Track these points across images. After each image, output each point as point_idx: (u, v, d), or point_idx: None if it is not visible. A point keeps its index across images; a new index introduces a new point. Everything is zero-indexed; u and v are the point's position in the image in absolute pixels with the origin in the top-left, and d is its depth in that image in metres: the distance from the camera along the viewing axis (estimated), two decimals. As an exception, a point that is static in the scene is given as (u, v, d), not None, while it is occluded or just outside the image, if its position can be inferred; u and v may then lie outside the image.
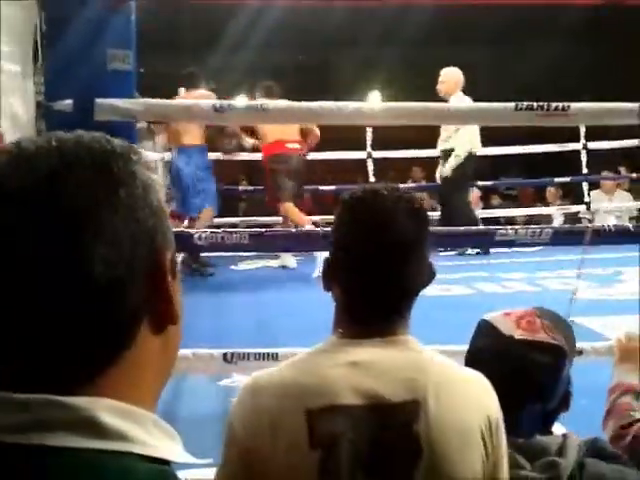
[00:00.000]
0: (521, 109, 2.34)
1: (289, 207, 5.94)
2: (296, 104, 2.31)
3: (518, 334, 1.29)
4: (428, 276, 1.25)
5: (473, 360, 1.32)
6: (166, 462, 0.59)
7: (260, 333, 3.76)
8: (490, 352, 1.31)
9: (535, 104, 2.35)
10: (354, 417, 1.12)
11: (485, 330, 1.34)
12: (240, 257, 6.61)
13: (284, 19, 6.91)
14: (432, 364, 1.19)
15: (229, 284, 5.69)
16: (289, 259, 6.22)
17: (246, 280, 5.83)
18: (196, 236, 2.39)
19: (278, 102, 2.32)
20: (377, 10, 7.86)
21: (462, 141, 6.27)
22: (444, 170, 6.40)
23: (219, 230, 2.42)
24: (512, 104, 2.35)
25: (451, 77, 6.39)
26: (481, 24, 8.69)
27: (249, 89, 6.08)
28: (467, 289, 5.01)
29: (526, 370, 1.27)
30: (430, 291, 4.50)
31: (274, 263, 6.35)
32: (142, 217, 0.61)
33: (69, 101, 2.38)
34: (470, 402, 1.16)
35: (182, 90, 6.06)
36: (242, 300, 4.81)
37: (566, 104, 2.31)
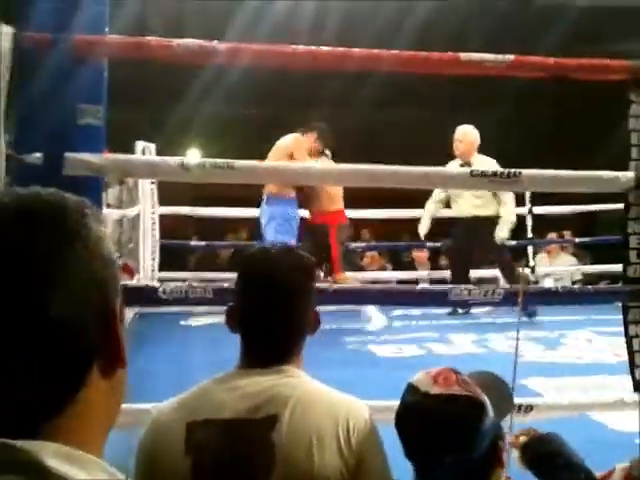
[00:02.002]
0: (476, 175, 2.46)
1: (347, 277, 6.12)
2: (264, 164, 2.39)
3: (434, 390, 1.35)
4: (314, 323, 1.54)
5: (399, 420, 1.39)
6: None
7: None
8: (412, 410, 1.37)
9: (488, 170, 2.47)
10: (221, 429, 1.38)
11: (408, 390, 1.41)
12: (192, 313, 6.60)
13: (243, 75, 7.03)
14: (301, 386, 1.43)
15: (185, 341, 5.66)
16: None
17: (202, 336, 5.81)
18: (160, 290, 2.43)
19: (247, 162, 2.38)
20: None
21: (511, 208, 6.33)
22: (500, 236, 6.28)
23: (184, 284, 2.46)
24: (467, 169, 2.47)
25: (468, 137, 6.36)
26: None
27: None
28: (418, 349, 5.10)
29: (442, 423, 1.33)
30: (383, 351, 4.56)
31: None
32: (95, 267, 0.66)
33: (38, 154, 2.41)
34: (325, 414, 1.38)
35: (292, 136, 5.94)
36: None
37: (518, 170, 2.43)
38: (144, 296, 2.60)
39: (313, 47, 2.52)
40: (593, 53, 2.80)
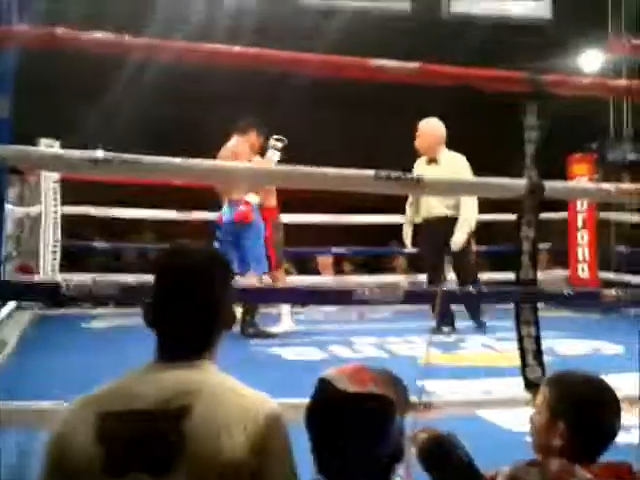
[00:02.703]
0: (380, 178, 2.53)
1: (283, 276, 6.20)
2: (173, 160, 2.40)
3: (351, 388, 1.42)
4: (228, 319, 1.59)
5: (312, 415, 1.46)
6: None
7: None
8: (327, 407, 1.44)
9: (392, 174, 2.55)
10: (132, 420, 1.41)
11: (322, 386, 1.47)
12: (92, 315, 6.48)
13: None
14: (213, 379, 1.49)
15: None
16: None
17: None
18: (63, 286, 2.38)
19: (156, 158, 2.38)
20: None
21: (469, 208, 5.85)
22: (459, 238, 5.86)
23: (88, 279, 2.43)
24: (372, 172, 2.53)
25: (427, 131, 5.95)
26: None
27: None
28: (322, 352, 5.16)
29: (359, 420, 1.40)
30: (288, 354, 4.59)
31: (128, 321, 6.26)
32: None
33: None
34: (235, 408, 1.42)
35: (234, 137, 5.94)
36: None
37: (421, 175, 2.53)
38: (45, 293, 2.55)
39: (235, 47, 2.54)
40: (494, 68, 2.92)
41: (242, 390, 1.49)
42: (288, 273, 7.04)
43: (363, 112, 10.07)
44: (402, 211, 6.41)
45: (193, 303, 1.52)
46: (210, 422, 1.40)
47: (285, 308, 6.04)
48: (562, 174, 7.47)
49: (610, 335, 5.66)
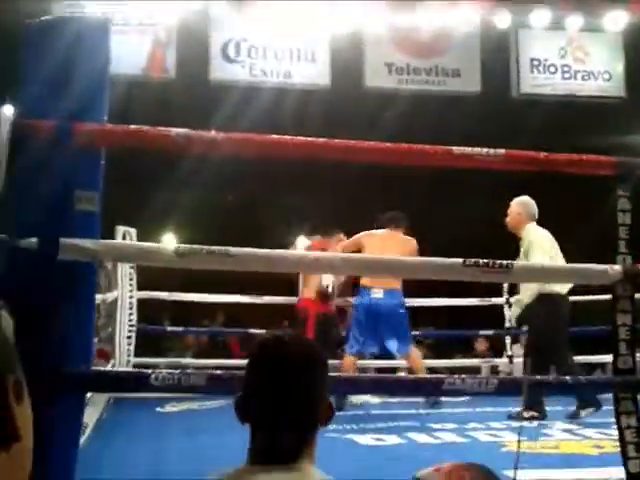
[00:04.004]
0: (468, 265, 2.49)
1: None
2: (260, 251, 2.41)
3: None
4: (327, 414, 1.48)
5: None
6: None
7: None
8: None
9: (481, 261, 2.51)
10: None
11: None
12: (166, 399, 6.49)
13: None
14: None
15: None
16: None
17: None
18: (152, 377, 2.40)
19: (243, 249, 2.40)
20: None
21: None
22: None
23: (176, 371, 2.43)
24: (460, 260, 2.50)
25: (514, 209, 5.88)
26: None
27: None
28: (399, 439, 5.03)
29: None
30: (363, 440, 4.50)
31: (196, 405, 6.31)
32: None
33: (34, 239, 2.41)
34: None
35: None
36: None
37: (510, 262, 2.48)
38: (134, 382, 2.57)
39: (292, 137, 2.58)
40: (560, 147, 2.89)
41: None
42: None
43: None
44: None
45: (294, 401, 1.43)
46: None
47: None
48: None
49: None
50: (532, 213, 5.83)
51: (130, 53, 8.30)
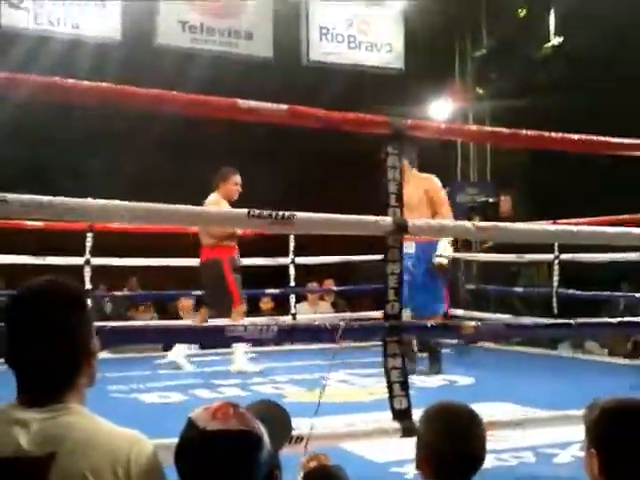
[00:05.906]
0: (253, 216, 2.56)
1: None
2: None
3: (211, 425, 1.37)
4: (92, 353, 1.51)
5: (178, 456, 1.40)
6: None
7: None
8: (189, 446, 1.39)
9: (264, 212, 2.59)
10: None
11: (187, 426, 1.42)
12: None
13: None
14: (79, 423, 1.41)
15: None
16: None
17: None
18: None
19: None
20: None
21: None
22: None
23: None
24: (245, 211, 2.57)
25: None
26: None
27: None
28: (183, 396, 5.08)
29: (219, 458, 1.36)
30: (148, 398, 4.48)
31: None
32: None
33: None
34: (104, 452, 1.37)
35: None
36: None
37: (292, 213, 2.58)
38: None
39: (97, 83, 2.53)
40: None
41: (111, 432, 1.42)
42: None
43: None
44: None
45: (49, 345, 1.44)
46: (76, 469, 1.34)
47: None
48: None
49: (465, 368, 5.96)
50: None
51: None
